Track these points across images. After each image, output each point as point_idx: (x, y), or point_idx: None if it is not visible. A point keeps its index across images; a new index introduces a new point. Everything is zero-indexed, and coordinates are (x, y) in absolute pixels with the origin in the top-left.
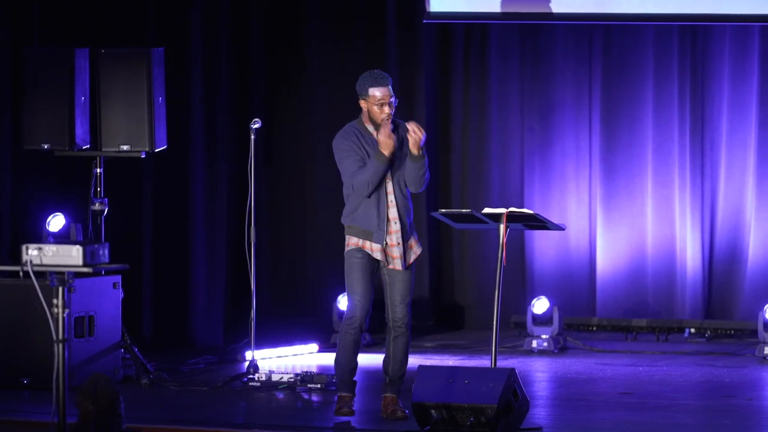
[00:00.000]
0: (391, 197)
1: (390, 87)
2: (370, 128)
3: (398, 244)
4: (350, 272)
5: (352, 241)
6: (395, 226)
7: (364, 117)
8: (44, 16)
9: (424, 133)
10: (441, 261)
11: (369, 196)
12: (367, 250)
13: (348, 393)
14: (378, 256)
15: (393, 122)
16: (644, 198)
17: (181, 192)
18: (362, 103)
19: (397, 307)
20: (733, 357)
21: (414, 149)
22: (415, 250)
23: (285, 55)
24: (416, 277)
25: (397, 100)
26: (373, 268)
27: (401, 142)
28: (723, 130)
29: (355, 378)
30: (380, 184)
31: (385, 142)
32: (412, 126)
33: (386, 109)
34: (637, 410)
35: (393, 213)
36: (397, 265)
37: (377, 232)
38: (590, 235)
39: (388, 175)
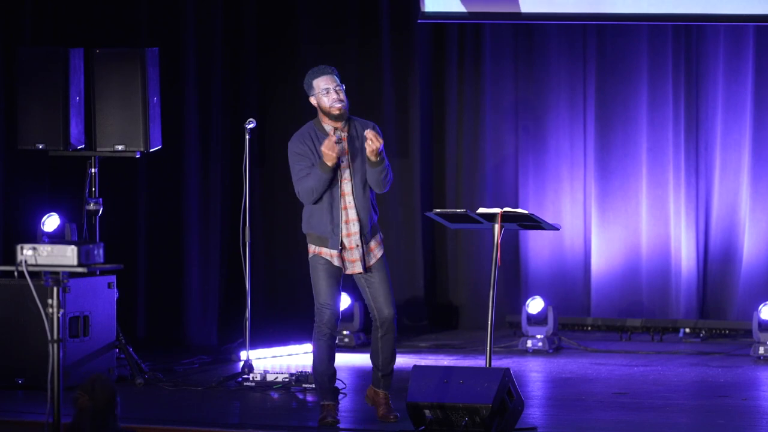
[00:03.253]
0: (348, 198)
1: (335, 76)
2: (328, 127)
3: (357, 246)
4: (315, 280)
5: (311, 249)
6: (353, 228)
7: (321, 116)
8: (36, 16)
9: (381, 141)
10: (435, 261)
11: (316, 203)
12: (325, 257)
13: (331, 401)
14: (336, 262)
15: (350, 119)
16: (639, 198)
17: (175, 192)
18: (312, 101)
19: (384, 309)
20: (728, 357)
21: (372, 156)
22: (376, 253)
23: (278, 56)
24: (411, 277)
25: (343, 86)
26: (338, 272)
27: (361, 141)
28: (717, 130)
29: (336, 384)
30: (332, 187)
31: (327, 154)
32: (369, 135)
33: (333, 95)
34: (631, 410)
35: (351, 215)
36: (356, 268)
37: (332, 238)
38: (585, 235)
39: (346, 176)
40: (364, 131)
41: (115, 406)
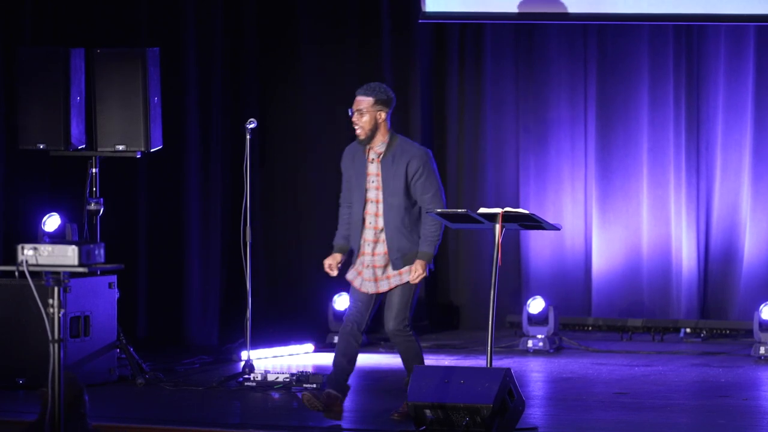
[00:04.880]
0: (369, 219)
1: (361, 96)
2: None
3: (369, 266)
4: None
5: None
6: (367, 249)
7: None
8: (36, 16)
9: (421, 274)
10: (436, 261)
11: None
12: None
13: (333, 390)
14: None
15: (393, 139)
16: (639, 198)
17: (176, 192)
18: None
19: (388, 322)
20: (729, 357)
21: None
22: (392, 282)
23: (279, 56)
24: None
25: (353, 111)
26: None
27: (397, 166)
28: (718, 129)
29: (349, 382)
30: (361, 206)
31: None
32: (412, 278)
33: (354, 118)
34: (632, 410)
35: (369, 235)
36: (366, 288)
37: (354, 254)
38: (586, 235)
39: (372, 197)
40: (404, 157)
41: (81, 404)
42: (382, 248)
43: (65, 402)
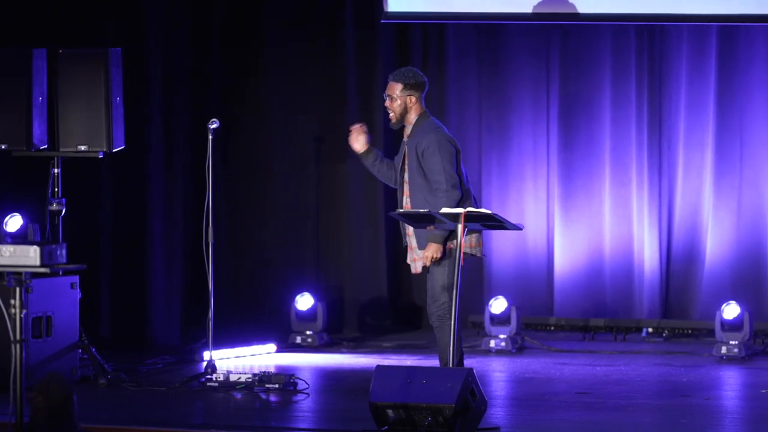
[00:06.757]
0: (405, 200)
1: (391, 81)
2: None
3: (408, 247)
4: None
5: None
6: (407, 230)
7: None
8: None
9: (428, 257)
10: (399, 260)
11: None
12: None
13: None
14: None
15: (420, 119)
16: (602, 197)
17: (138, 192)
18: None
19: (428, 306)
20: (691, 356)
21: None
22: (421, 264)
23: (243, 56)
24: (374, 277)
25: (386, 96)
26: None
27: (413, 146)
28: (680, 128)
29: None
30: (400, 188)
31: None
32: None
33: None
34: (594, 410)
35: None
36: (412, 268)
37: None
38: (548, 235)
39: (406, 177)
40: (418, 137)
41: (71, 405)
42: (410, 228)
43: (54, 403)
